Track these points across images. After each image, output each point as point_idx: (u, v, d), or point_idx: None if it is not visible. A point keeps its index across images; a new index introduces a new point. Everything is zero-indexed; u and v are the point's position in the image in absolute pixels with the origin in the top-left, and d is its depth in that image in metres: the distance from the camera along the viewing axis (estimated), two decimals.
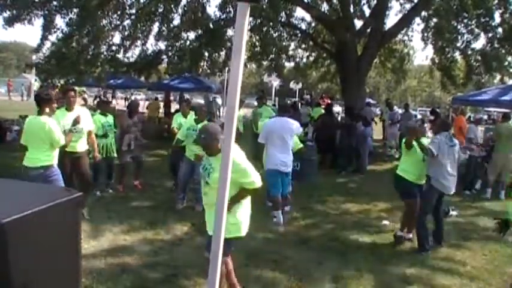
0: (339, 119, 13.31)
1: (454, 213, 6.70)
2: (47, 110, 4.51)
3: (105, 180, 6.86)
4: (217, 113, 17.95)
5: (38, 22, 13.76)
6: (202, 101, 16.72)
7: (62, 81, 11.29)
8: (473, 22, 12.06)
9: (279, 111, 6.64)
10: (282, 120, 5.96)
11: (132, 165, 7.27)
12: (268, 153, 5.78)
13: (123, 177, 7.11)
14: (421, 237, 5.09)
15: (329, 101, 13.47)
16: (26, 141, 4.55)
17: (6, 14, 10.30)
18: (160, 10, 11.42)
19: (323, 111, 12.04)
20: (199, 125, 6.12)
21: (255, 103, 11.38)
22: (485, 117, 32.59)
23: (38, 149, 4.49)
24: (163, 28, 11.41)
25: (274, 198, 5.76)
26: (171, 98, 18.90)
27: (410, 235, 5.39)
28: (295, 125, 5.92)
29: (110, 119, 6.87)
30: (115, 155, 6.88)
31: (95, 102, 16.12)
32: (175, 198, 6.47)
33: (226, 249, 3.05)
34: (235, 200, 3.21)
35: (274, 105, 15.99)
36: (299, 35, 14.59)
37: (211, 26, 11.51)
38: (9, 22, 10.38)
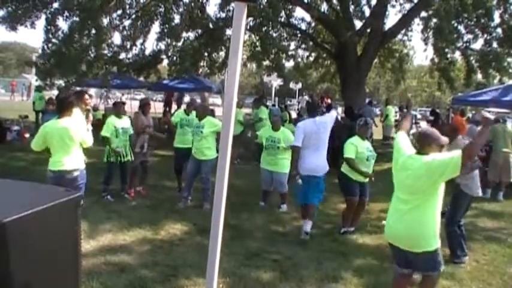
0: (339, 118, 13.30)
1: None
2: (68, 114, 4.36)
3: (119, 185, 6.63)
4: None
5: (40, 23, 13.78)
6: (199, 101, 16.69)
7: (61, 82, 11.28)
8: (472, 23, 12.06)
9: (309, 112, 5.98)
10: (316, 120, 5.55)
11: (139, 169, 6.90)
12: (302, 157, 5.40)
13: (133, 180, 6.76)
14: (453, 246, 4.85)
15: (329, 101, 13.42)
16: (51, 148, 4.33)
17: (7, 10, 10.31)
18: (160, 10, 11.43)
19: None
20: (202, 121, 6.17)
21: None
22: None
23: (67, 153, 4.33)
24: (164, 28, 11.41)
25: (302, 206, 5.58)
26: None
27: (353, 228, 5.67)
28: (328, 119, 5.58)
29: (124, 121, 6.43)
30: (130, 158, 6.47)
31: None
32: (177, 197, 6.47)
33: None
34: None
35: (273, 105, 15.96)
36: (299, 35, 14.59)
37: (210, 26, 11.52)
38: (12, 27, 10.39)
